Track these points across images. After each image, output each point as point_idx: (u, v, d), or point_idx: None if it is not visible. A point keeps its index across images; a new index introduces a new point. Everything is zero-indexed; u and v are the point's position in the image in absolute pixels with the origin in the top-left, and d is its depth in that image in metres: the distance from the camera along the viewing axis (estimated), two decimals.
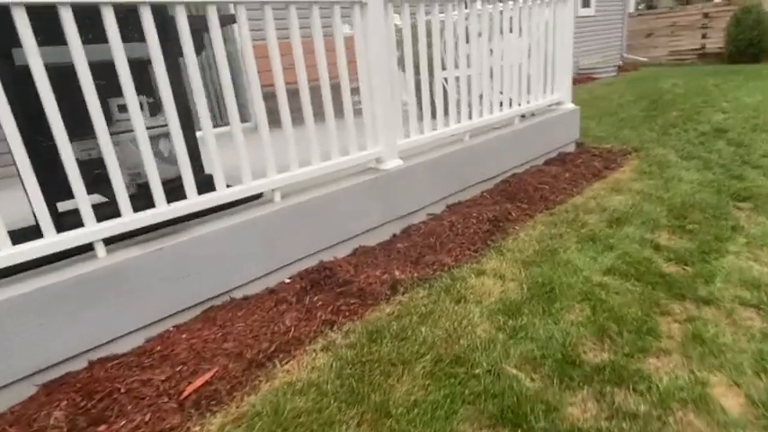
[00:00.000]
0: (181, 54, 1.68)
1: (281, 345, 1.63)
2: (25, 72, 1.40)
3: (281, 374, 1.53)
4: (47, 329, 1.47)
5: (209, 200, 1.79)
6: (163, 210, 1.69)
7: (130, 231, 1.65)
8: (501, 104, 3.01)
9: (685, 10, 10.82)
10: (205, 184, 1.82)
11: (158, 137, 1.87)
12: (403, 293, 1.93)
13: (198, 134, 1.90)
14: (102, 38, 1.52)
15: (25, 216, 1.62)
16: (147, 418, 1.34)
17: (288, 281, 1.97)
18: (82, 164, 1.61)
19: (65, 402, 1.40)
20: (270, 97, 1.88)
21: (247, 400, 1.44)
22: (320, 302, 1.82)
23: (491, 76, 2.88)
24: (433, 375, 1.46)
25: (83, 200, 1.54)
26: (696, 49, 10.10)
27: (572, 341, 1.58)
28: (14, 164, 1.43)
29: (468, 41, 2.76)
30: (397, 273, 2.03)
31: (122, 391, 1.43)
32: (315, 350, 1.63)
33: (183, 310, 1.73)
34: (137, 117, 1.59)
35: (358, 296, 1.86)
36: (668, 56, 10.36)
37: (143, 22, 1.55)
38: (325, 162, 2.10)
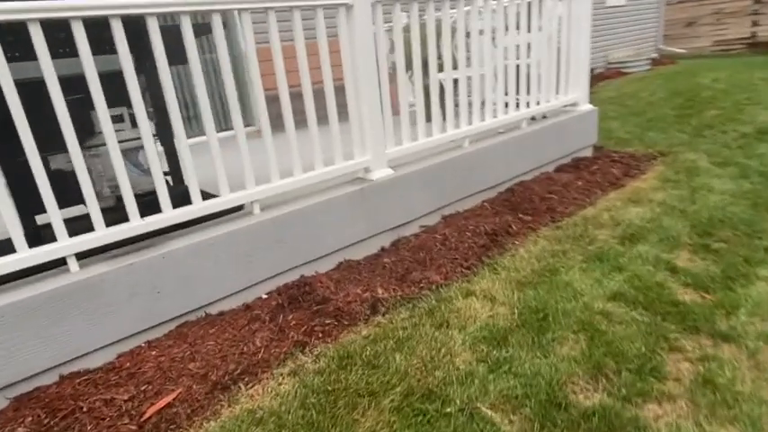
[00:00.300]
0: (155, 67, 1.64)
1: (249, 366, 1.57)
2: None
3: (243, 399, 1.47)
4: (19, 344, 1.48)
5: (184, 213, 1.75)
6: (136, 224, 1.66)
7: (109, 244, 1.64)
8: (507, 105, 2.82)
9: None
10: (184, 196, 1.78)
11: (139, 148, 1.85)
12: (384, 314, 1.83)
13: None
14: (73, 51, 1.50)
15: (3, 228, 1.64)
16: None
17: (265, 296, 1.91)
18: (59, 176, 1.61)
19: (29, 419, 1.40)
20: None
21: (206, 426, 1.39)
22: (294, 322, 1.75)
23: (495, 76, 2.70)
24: (401, 411, 1.36)
25: (54, 214, 1.53)
26: (745, 39, 9.25)
27: (561, 379, 1.43)
28: None
29: (467, 41, 2.59)
30: (379, 291, 1.92)
31: (85, 410, 1.42)
32: (282, 374, 1.55)
33: (156, 326, 1.71)
34: (108, 128, 1.56)
35: (334, 316, 1.77)
36: (712, 46, 9.56)
37: (114, 33, 1.52)
38: (307, 173, 2.02)
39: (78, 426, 1.37)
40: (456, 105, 2.56)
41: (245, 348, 1.64)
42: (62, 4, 1.41)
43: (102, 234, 1.61)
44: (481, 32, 2.55)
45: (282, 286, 1.96)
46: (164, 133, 1.98)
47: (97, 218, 1.60)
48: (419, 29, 2.25)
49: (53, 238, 1.53)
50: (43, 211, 1.59)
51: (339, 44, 2.00)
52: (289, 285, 1.95)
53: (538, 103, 3.00)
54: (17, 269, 1.49)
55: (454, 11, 2.49)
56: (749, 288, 1.79)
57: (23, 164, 1.52)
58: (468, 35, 2.61)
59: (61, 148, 1.51)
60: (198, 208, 1.77)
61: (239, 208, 1.95)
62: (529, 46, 2.87)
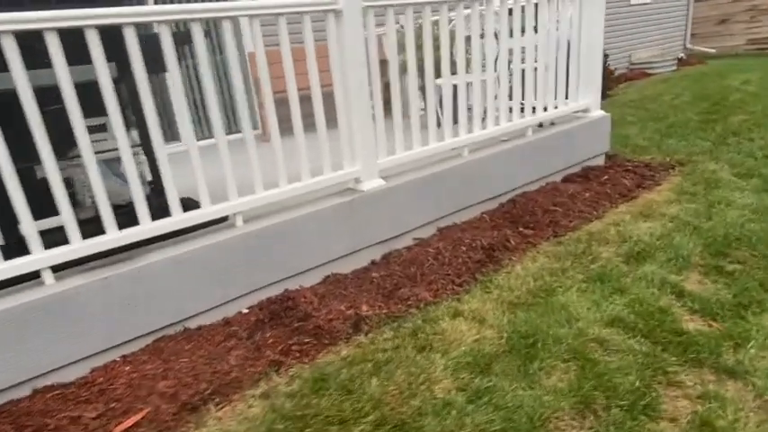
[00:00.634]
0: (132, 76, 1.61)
1: (220, 386, 1.52)
2: None
3: (211, 422, 1.42)
4: None
5: (162, 226, 1.72)
6: (113, 237, 1.63)
7: (89, 256, 1.62)
8: (511, 111, 2.68)
9: None
10: (166, 208, 1.75)
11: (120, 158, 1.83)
12: (366, 333, 1.75)
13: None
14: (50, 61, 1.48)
15: None
16: None
17: (246, 311, 1.86)
18: (38, 187, 1.59)
19: None
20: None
21: None
22: (272, 339, 1.69)
23: (497, 82, 2.57)
24: None
25: (29, 226, 1.52)
26: None
27: (544, 414, 1.32)
28: None
29: (467, 44, 2.48)
30: (364, 308, 1.84)
31: (51, 427, 1.39)
32: (253, 396, 1.50)
33: (132, 340, 1.68)
34: (84, 139, 1.54)
35: (314, 334, 1.71)
36: (746, 45, 9.02)
37: (89, 43, 1.49)
38: (293, 184, 1.96)
39: None
40: (455, 112, 2.45)
41: (218, 367, 1.59)
42: (36, 15, 1.39)
43: (78, 246, 1.59)
44: (482, 36, 2.43)
45: (265, 300, 1.90)
46: (147, 143, 1.95)
47: (73, 230, 1.58)
48: (413, 35, 2.15)
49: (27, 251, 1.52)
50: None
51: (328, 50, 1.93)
52: (271, 300, 1.90)
53: (545, 110, 2.85)
54: None
55: (453, 13, 2.38)
56: (762, 317, 1.63)
57: None
58: (468, 39, 2.49)
59: (37, 158, 1.50)
60: (177, 220, 1.74)
61: (222, 219, 1.90)
62: (536, 49, 2.73)
